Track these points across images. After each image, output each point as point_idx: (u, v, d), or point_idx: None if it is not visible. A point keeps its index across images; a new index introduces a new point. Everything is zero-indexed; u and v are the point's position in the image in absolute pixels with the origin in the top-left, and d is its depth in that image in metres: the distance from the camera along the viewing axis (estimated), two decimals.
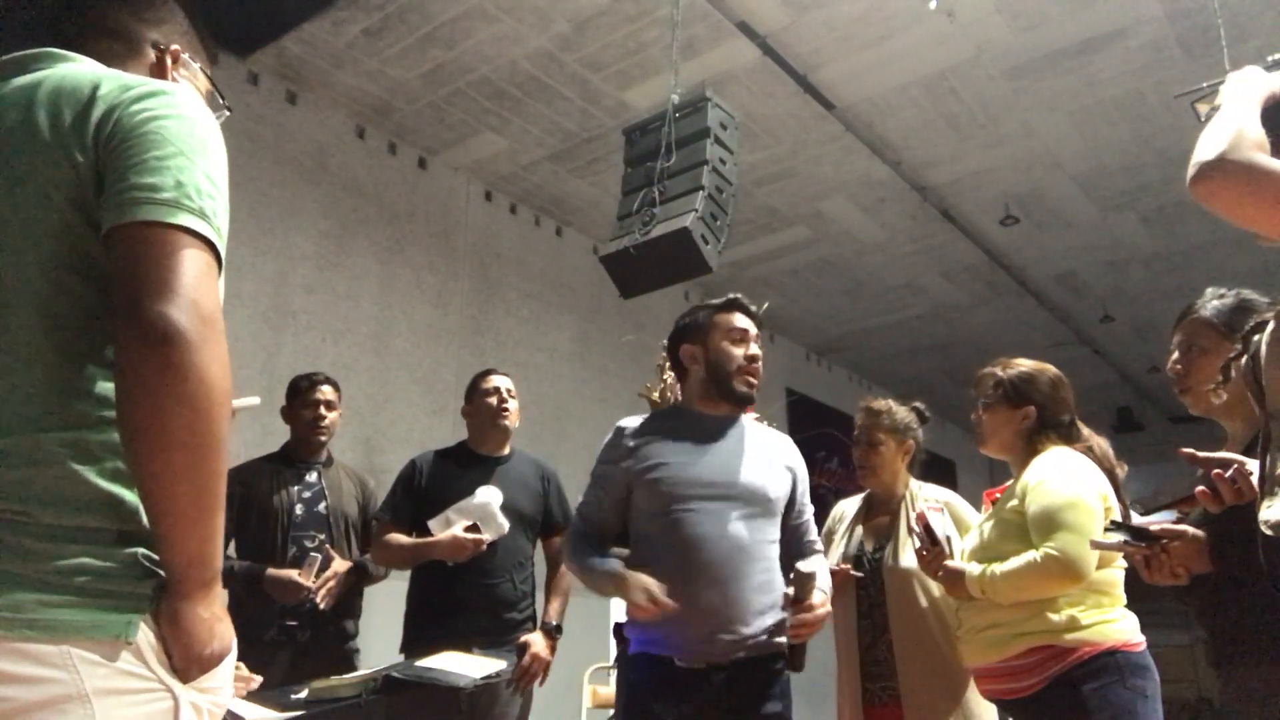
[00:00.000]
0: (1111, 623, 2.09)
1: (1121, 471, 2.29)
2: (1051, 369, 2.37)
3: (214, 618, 0.93)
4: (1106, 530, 1.85)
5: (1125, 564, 2.18)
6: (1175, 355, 1.89)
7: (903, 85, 4.81)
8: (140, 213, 0.90)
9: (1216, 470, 1.48)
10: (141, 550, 0.91)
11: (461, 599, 2.70)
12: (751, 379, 2.18)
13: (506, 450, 2.96)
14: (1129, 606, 2.18)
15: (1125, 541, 1.70)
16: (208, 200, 0.94)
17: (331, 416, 2.99)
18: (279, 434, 3.17)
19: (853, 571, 2.54)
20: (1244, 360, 1.32)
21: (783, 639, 2.04)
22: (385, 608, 2.99)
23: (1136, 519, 1.76)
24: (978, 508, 2.58)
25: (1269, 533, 1.20)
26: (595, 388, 6.06)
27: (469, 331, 5.41)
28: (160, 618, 0.91)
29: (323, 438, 2.98)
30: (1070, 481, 2.13)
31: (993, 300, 7.79)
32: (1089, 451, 2.27)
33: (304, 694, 2.00)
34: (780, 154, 5.45)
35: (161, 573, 0.91)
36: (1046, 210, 6.25)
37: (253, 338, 4.29)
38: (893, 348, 8.89)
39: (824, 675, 2.70)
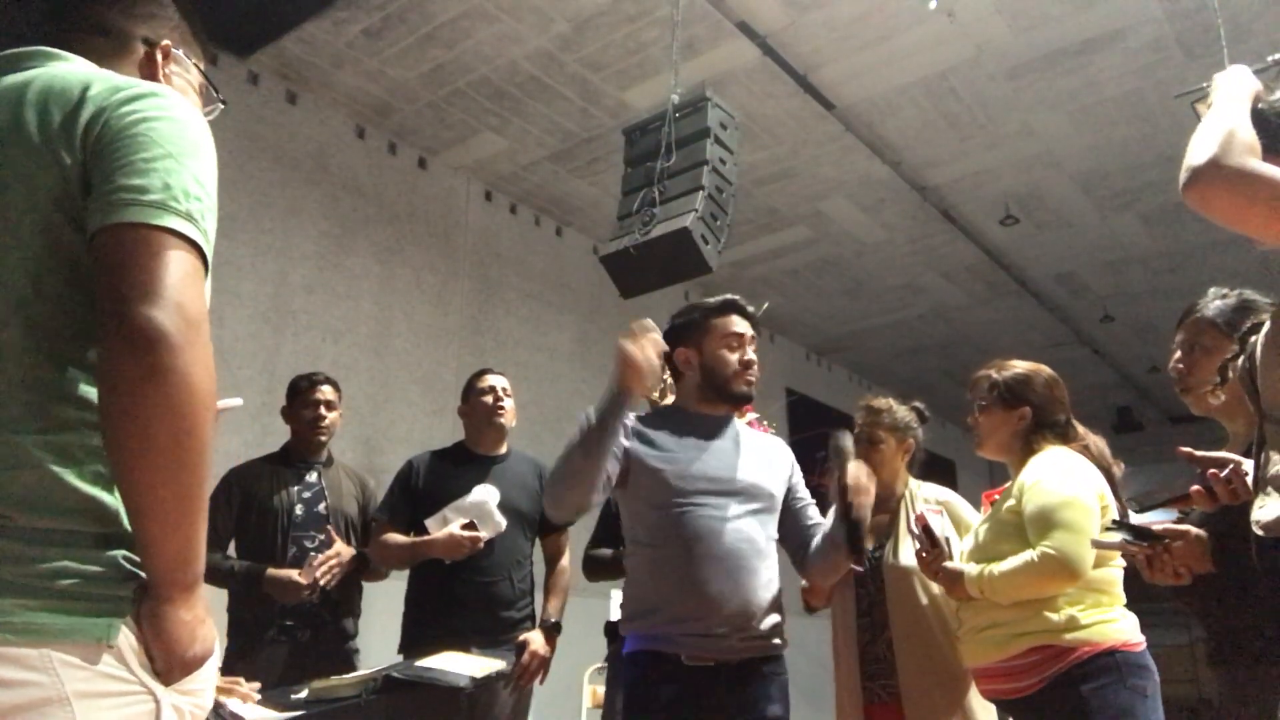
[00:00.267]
0: (1111, 623, 2.09)
1: (1118, 470, 2.29)
2: (1046, 369, 2.38)
3: (196, 620, 0.93)
4: (1108, 529, 1.85)
5: (1124, 563, 2.18)
6: (1178, 355, 1.89)
7: (903, 85, 4.82)
8: (126, 214, 0.90)
9: (1212, 470, 1.49)
10: (123, 553, 0.91)
11: (459, 598, 2.70)
12: (750, 379, 2.18)
13: (503, 449, 2.96)
14: (1129, 606, 2.18)
15: (1127, 541, 1.70)
16: (195, 203, 0.94)
17: (332, 416, 2.99)
18: (279, 434, 3.17)
19: (855, 567, 2.54)
20: (1241, 361, 1.32)
21: (782, 640, 2.04)
22: (385, 608, 2.99)
23: (1135, 518, 1.76)
24: (978, 508, 2.58)
25: (1260, 532, 1.20)
26: (595, 388, 6.04)
27: (469, 331, 5.41)
28: (141, 620, 0.90)
29: (323, 438, 2.98)
30: (1066, 481, 2.13)
31: (993, 300, 7.79)
32: (1085, 450, 2.27)
33: (304, 694, 2.00)
34: (780, 154, 5.45)
35: (143, 575, 0.91)
36: (1046, 210, 6.25)
37: (253, 338, 4.29)
38: (893, 348, 8.89)
39: (824, 675, 2.70)
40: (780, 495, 2.16)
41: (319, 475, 2.95)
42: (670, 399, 2.56)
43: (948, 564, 2.24)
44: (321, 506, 2.89)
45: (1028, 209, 6.19)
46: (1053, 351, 8.40)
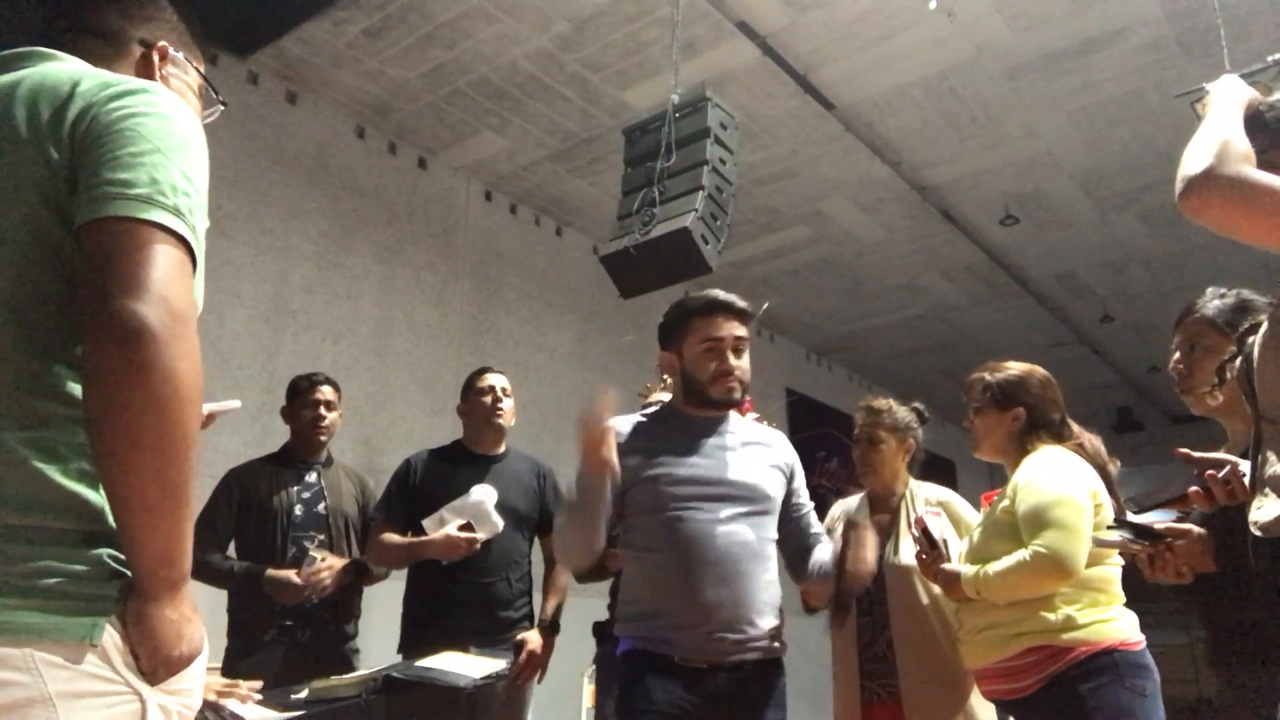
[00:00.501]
0: (1109, 622, 2.09)
1: (1114, 467, 2.30)
2: (1039, 370, 2.38)
3: (182, 619, 0.92)
4: (1109, 528, 1.85)
5: (1122, 562, 2.18)
6: (1177, 355, 1.89)
7: (903, 85, 4.81)
8: (112, 208, 0.89)
9: (1210, 471, 1.49)
10: (108, 551, 0.90)
11: (458, 598, 2.70)
12: (730, 386, 2.08)
13: (502, 449, 2.95)
14: (1128, 605, 2.19)
15: (1128, 540, 1.70)
16: (182, 198, 0.93)
17: (331, 417, 2.99)
18: (279, 434, 3.17)
19: None
20: (1238, 362, 1.32)
21: (780, 645, 2.02)
22: (385, 608, 2.99)
23: (1134, 518, 1.76)
24: (978, 508, 2.58)
25: (1258, 533, 1.20)
26: (595, 388, 6.05)
27: (469, 331, 5.41)
28: (127, 619, 0.89)
29: (323, 437, 2.98)
30: (1058, 479, 2.14)
31: (993, 300, 7.79)
32: (1080, 449, 2.27)
33: (304, 694, 2.00)
34: (780, 154, 5.45)
35: (128, 573, 0.90)
36: (1046, 210, 6.25)
37: (253, 338, 4.29)
38: (893, 348, 8.89)
39: (824, 675, 2.70)
40: (779, 495, 2.11)
41: (319, 476, 2.95)
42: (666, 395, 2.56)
43: (945, 566, 2.25)
44: (321, 507, 2.89)
45: (1028, 209, 6.19)
46: (1053, 351, 8.41)
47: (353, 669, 2.73)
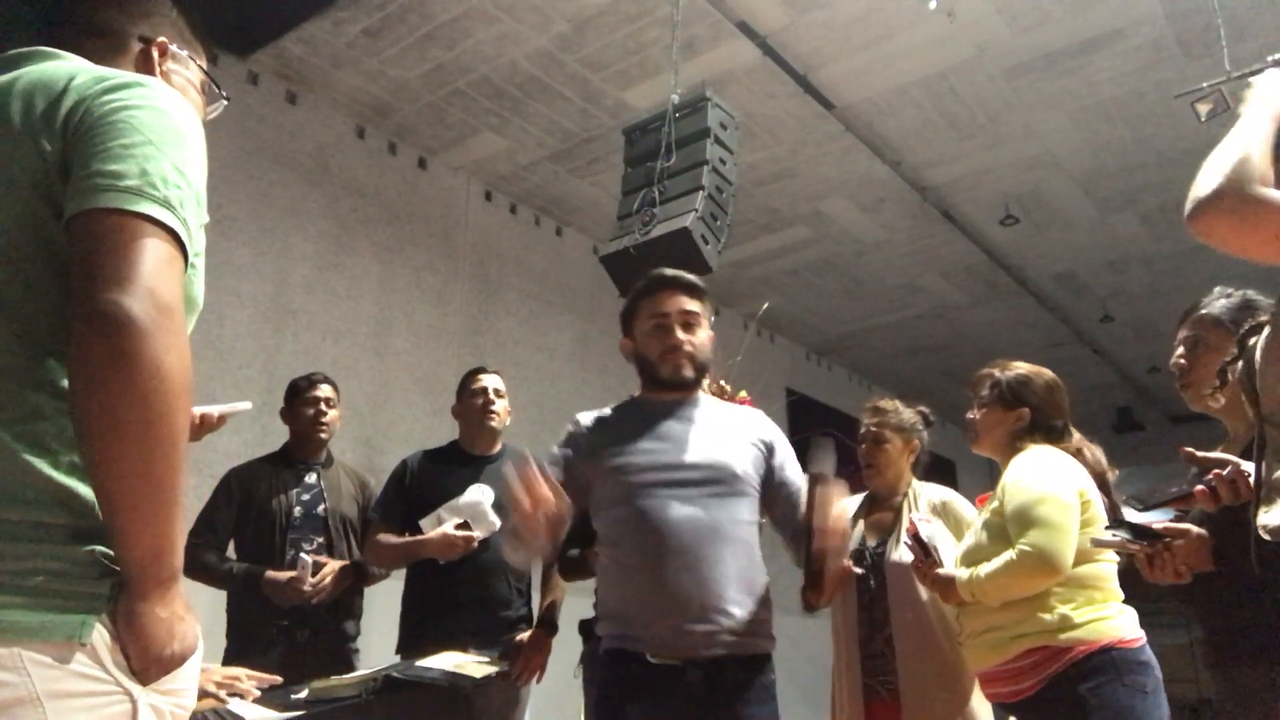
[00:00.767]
0: (1106, 620, 2.09)
1: (1113, 476, 2.30)
2: (1049, 373, 2.38)
3: (173, 617, 0.90)
4: (1107, 528, 1.85)
5: (1117, 559, 2.18)
6: (1180, 351, 1.89)
7: (903, 85, 4.82)
8: (101, 200, 0.88)
9: (1216, 471, 1.49)
10: (99, 548, 0.88)
11: (456, 598, 2.70)
12: (678, 362, 1.98)
13: (497, 448, 2.96)
14: (1127, 604, 2.18)
15: (1127, 540, 1.70)
16: (174, 190, 0.92)
17: (331, 415, 2.99)
18: (279, 434, 3.17)
19: (855, 569, 2.55)
20: (1239, 364, 1.32)
21: (766, 640, 1.89)
22: (385, 608, 2.99)
23: (1137, 516, 1.76)
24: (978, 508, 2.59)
25: (1268, 537, 1.20)
26: (595, 388, 6.05)
27: (469, 331, 5.41)
28: (117, 618, 0.88)
29: (323, 436, 2.97)
30: (1044, 478, 2.14)
31: (993, 300, 7.79)
32: (1078, 454, 2.27)
33: (304, 694, 2.00)
34: (780, 154, 5.45)
35: (119, 571, 0.89)
36: (1046, 210, 6.25)
37: (253, 338, 4.29)
38: (893, 348, 8.89)
39: (824, 675, 2.70)
40: (753, 473, 1.96)
41: (318, 476, 2.95)
42: None
43: (940, 571, 2.25)
44: (320, 508, 2.89)
45: (1028, 209, 6.19)
46: (1053, 351, 8.40)
47: (353, 669, 2.73)
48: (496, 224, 5.78)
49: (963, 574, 2.18)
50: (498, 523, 2.71)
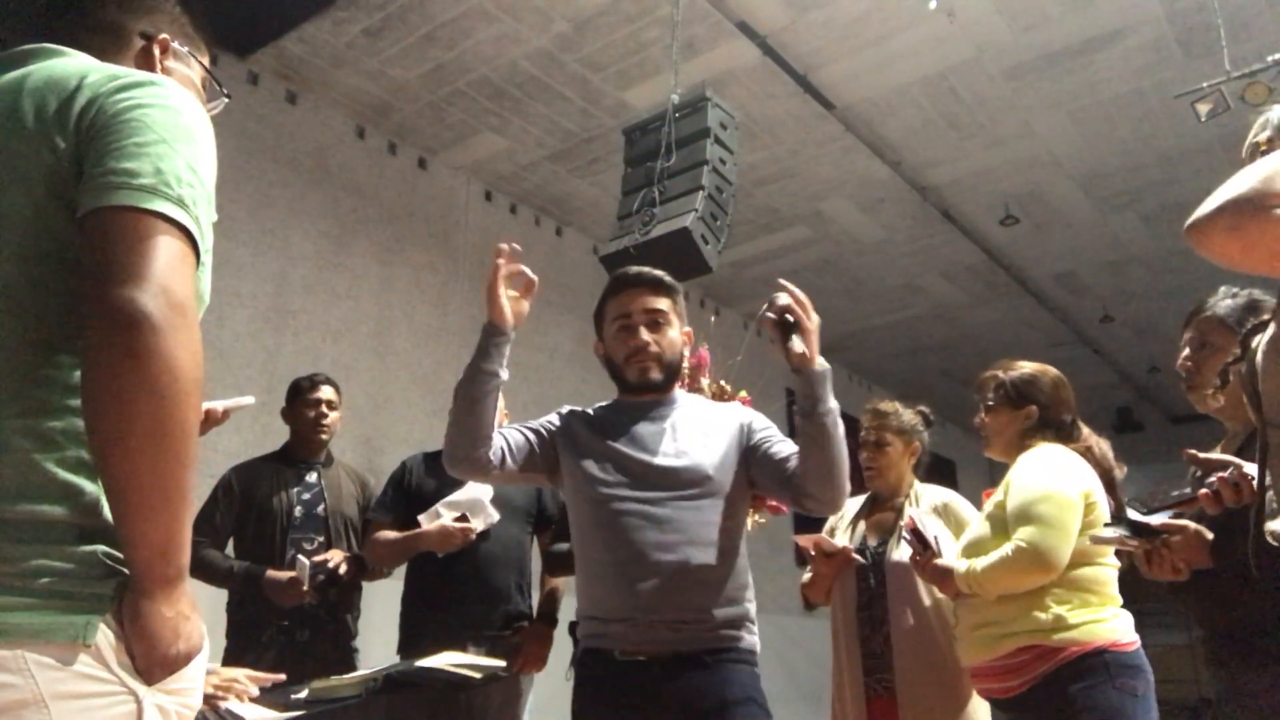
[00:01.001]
0: (1101, 622, 2.09)
1: (1120, 473, 2.30)
2: (1053, 370, 2.38)
3: (179, 616, 0.90)
4: (1106, 525, 1.85)
5: (1117, 563, 2.18)
6: (1186, 352, 1.88)
7: (903, 85, 4.82)
8: (116, 197, 0.88)
9: (1220, 475, 1.49)
10: (103, 548, 0.88)
11: (457, 593, 2.70)
12: (643, 365, 1.94)
13: None
14: (1126, 606, 2.19)
15: (1125, 536, 1.70)
16: (187, 189, 0.92)
17: (333, 417, 3.00)
18: (279, 434, 3.17)
19: (855, 556, 2.55)
20: (1242, 366, 1.31)
21: (739, 635, 1.83)
22: (385, 608, 2.99)
23: (1136, 515, 1.76)
24: (979, 508, 2.59)
25: (1275, 543, 1.20)
26: (595, 388, 6.05)
27: (469, 331, 5.40)
28: (122, 617, 0.87)
29: (324, 437, 2.98)
30: (1049, 476, 2.14)
31: (993, 300, 7.80)
32: (1087, 452, 2.27)
33: (304, 694, 2.00)
34: (780, 154, 5.45)
35: (125, 571, 0.88)
36: (1046, 210, 6.25)
37: (253, 338, 4.29)
38: (893, 348, 8.89)
39: (824, 675, 2.70)
40: (727, 471, 1.89)
41: (319, 476, 2.95)
42: None
43: (938, 562, 2.25)
44: (320, 508, 2.89)
45: (1028, 209, 6.19)
46: (1053, 351, 8.40)
47: (353, 669, 2.73)
48: (496, 224, 5.78)
49: (960, 565, 2.19)
50: (496, 516, 2.71)
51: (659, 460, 1.88)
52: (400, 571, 2.93)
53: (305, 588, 2.63)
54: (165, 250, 0.88)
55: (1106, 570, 2.17)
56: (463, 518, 2.68)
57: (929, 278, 7.34)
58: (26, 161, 0.93)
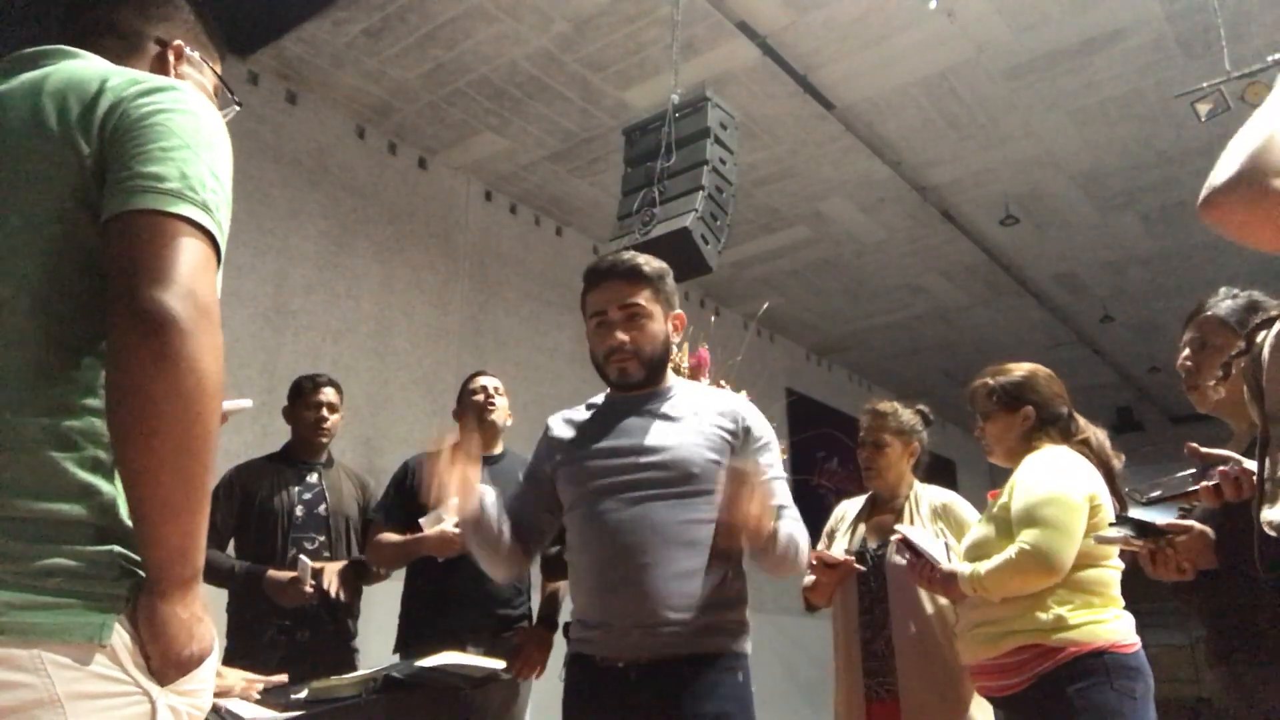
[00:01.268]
0: (1102, 623, 2.09)
1: (1118, 463, 2.30)
2: (1041, 368, 2.39)
3: (193, 618, 0.91)
4: (1111, 524, 1.85)
5: (1120, 564, 2.18)
6: (1187, 352, 1.88)
7: (903, 85, 4.82)
8: (143, 201, 0.90)
9: (1222, 468, 1.49)
10: (118, 549, 0.89)
11: (456, 596, 2.70)
12: (621, 366, 1.87)
13: (499, 449, 2.96)
14: (1128, 607, 2.19)
15: (1130, 537, 1.70)
16: (211, 194, 0.94)
17: (334, 419, 3.00)
18: (279, 434, 3.17)
19: (856, 565, 2.55)
20: (1246, 360, 1.31)
21: (724, 639, 1.76)
22: (385, 608, 2.99)
23: (1138, 512, 1.76)
24: (980, 508, 2.59)
25: (1272, 533, 1.20)
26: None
27: (469, 331, 5.41)
28: (137, 618, 0.88)
29: (324, 439, 2.98)
30: (1053, 478, 2.14)
31: (993, 300, 7.79)
32: (1085, 445, 2.27)
33: (304, 694, 2.00)
34: (780, 154, 5.45)
35: (139, 572, 0.89)
36: (1046, 210, 6.25)
37: (253, 338, 4.29)
38: (893, 348, 8.89)
39: (824, 675, 2.70)
40: (717, 466, 1.78)
41: (320, 476, 2.95)
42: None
43: (941, 567, 2.25)
44: (321, 508, 2.90)
45: (1028, 209, 6.19)
46: (1053, 351, 8.41)
47: (353, 669, 2.73)
48: (496, 224, 5.78)
49: (965, 569, 2.19)
50: None
51: (641, 457, 1.79)
52: (399, 572, 2.93)
53: (307, 588, 2.63)
54: (191, 254, 0.90)
55: (1110, 572, 2.17)
56: None
57: (929, 278, 7.34)
58: (49, 164, 0.94)
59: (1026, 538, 2.07)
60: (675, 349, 1.99)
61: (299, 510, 2.86)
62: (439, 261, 5.32)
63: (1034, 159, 5.58)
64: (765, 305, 7.10)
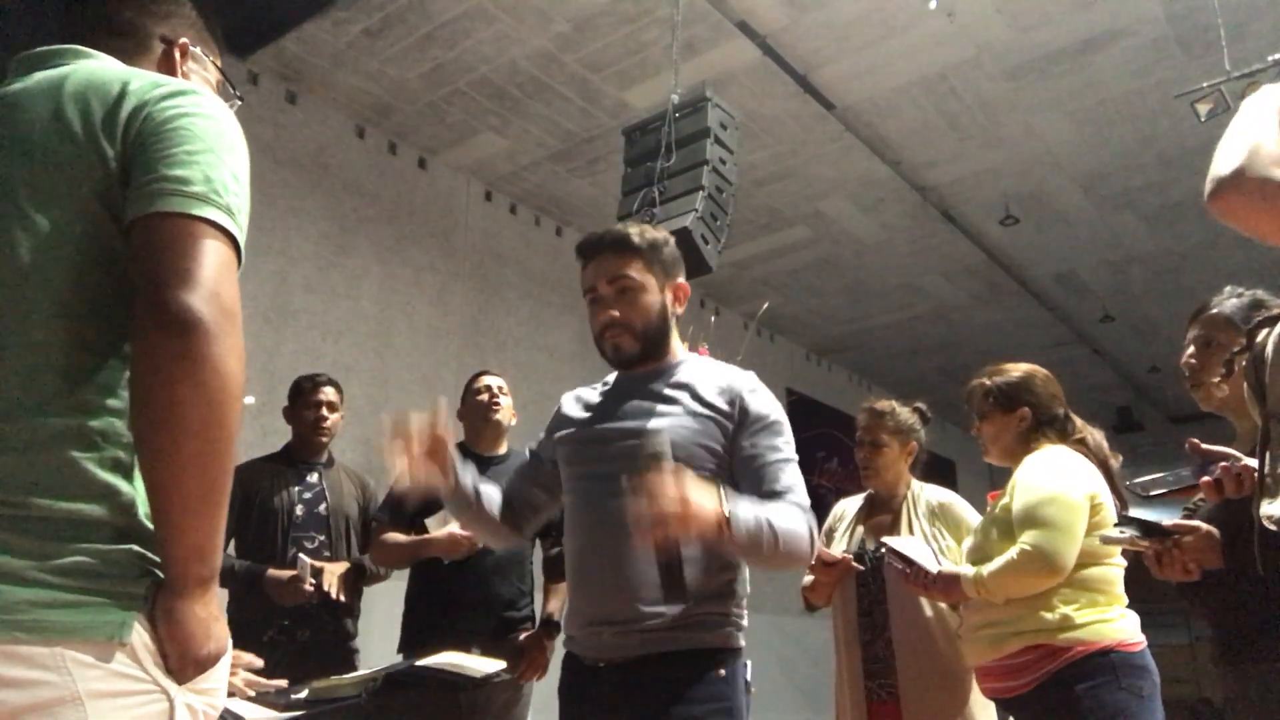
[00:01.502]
0: (1108, 622, 2.09)
1: (1115, 462, 2.30)
2: (1038, 368, 2.39)
3: (210, 617, 0.92)
4: (1116, 524, 1.85)
5: (1123, 562, 2.18)
6: (1191, 350, 1.88)
7: (903, 85, 4.82)
8: (168, 204, 0.91)
9: (1224, 464, 1.49)
10: (136, 548, 0.90)
11: (460, 598, 2.71)
12: (614, 343, 1.76)
13: (503, 449, 2.96)
14: (1129, 606, 2.19)
15: (1136, 537, 1.70)
16: (233, 197, 0.95)
17: (334, 418, 3.00)
18: (279, 434, 3.17)
19: (855, 564, 2.55)
20: (1247, 358, 1.31)
21: (705, 635, 1.62)
22: (385, 608, 2.99)
23: (1142, 512, 1.75)
24: (980, 509, 2.59)
25: (1272, 527, 1.20)
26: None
27: (469, 331, 5.41)
28: (156, 617, 0.89)
29: (324, 439, 2.98)
30: (1053, 478, 2.14)
31: (993, 300, 7.79)
32: (1082, 445, 2.27)
33: (304, 694, 2.00)
34: (780, 154, 5.45)
35: (157, 572, 0.90)
36: (1046, 210, 6.25)
37: (253, 338, 4.28)
38: (893, 348, 8.89)
39: (824, 675, 2.70)
40: (708, 449, 1.65)
41: (320, 476, 2.95)
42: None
43: (942, 569, 2.25)
44: (322, 508, 2.90)
45: (1028, 209, 6.19)
46: (1053, 351, 8.41)
47: (353, 669, 2.73)
48: (496, 224, 5.78)
49: (968, 570, 2.18)
50: None
51: (623, 441, 1.65)
52: (399, 572, 2.93)
53: (307, 587, 2.63)
54: (215, 256, 0.91)
55: (1114, 570, 2.17)
56: None
57: (929, 278, 7.34)
58: (75, 167, 0.94)
59: (1028, 538, 2.07)
60: (675, 319, 1.84)
61: (299, 510, 2.86)
62: (439, 261, 5.32)
63: (1034, 159, 5.58)
64: (765, 305, 7.10)
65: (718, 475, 1.62)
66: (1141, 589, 2.19)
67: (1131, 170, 5.71)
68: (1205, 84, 3.66)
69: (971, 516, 2.58)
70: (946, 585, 2.22)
